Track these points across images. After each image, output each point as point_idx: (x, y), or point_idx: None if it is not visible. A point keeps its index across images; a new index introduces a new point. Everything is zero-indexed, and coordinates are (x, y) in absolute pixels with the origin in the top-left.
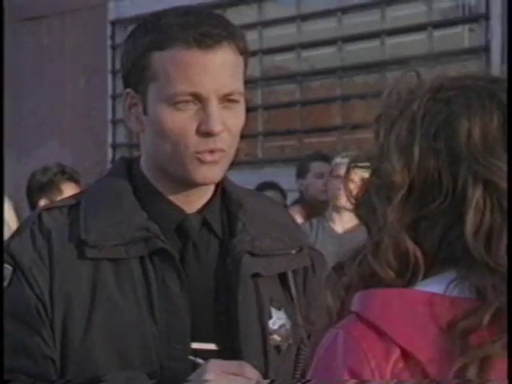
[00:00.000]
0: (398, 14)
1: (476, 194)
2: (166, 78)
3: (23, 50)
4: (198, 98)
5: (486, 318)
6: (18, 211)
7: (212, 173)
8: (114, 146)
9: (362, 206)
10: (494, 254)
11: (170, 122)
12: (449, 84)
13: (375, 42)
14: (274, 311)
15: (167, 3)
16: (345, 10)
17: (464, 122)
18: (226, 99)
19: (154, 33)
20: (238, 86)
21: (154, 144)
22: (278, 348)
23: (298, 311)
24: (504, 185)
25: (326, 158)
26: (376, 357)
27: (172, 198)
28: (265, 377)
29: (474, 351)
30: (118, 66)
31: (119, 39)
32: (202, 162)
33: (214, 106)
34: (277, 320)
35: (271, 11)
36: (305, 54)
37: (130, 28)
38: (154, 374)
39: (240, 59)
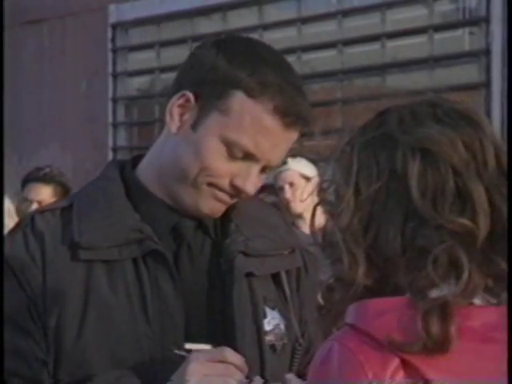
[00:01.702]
0: (398, 17)
1: (416, 163)
2: (238, 123)
3: (24, 53)
4: (250, 156)
5: (430, 268)
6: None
7: (219, 209)
8: (115, 149)
9: (328, 248)
10: (441, 211)
11: (214, 158)
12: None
13: (376, 45)
14: (268, 311)
15: (167, 7)
16: (345, 13)
17: (394, 114)
18: (268, 166)
19: (251, 75)
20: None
21: (181, 157)
22: (273, 347)
23: (291, 311)
24: (436, 148)
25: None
26: (373, 368)
27: (166, 200)
28: (261, 376)
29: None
30: (118, 68)
31: (120, 42)
32: (215, 197)
33: (258, 170)
34: (271, 319)
35: (271, 14)
36: (305, 56)
37: (131, 31)
38: (147, 375)
39: None
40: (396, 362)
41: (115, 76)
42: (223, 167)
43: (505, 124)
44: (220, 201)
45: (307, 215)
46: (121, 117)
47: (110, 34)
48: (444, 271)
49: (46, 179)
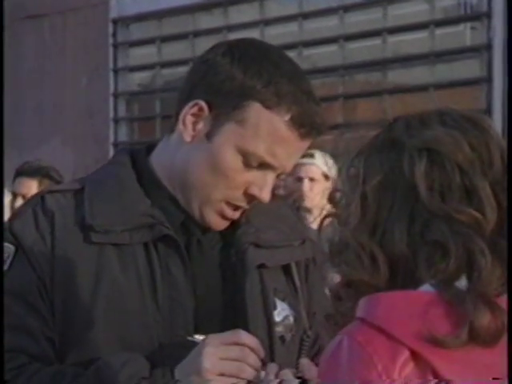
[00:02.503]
0: (399, 12)
1: (422, 163)
2: (254, 133)
3: (25, 48)
4: (266, 165)
5: (452, 266)
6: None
7: (222, 225)
8: (116, 144)
9: (336, 255)
10: (450, 203)
11: (230, 168)
12: None
13: (377, 40)
14: (278, 302)
15: (168, 2)
16: (346, 8)
17: (401, 121)
18: (282, 173)
19: (267, 86)
20: None
21: (195, 166)
22: (282, 338)
23: (301, 302)
24: (442, 148)
25: None
26: (382, 359)
27: (177, 195)
28: None
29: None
30: (119, 64)
31: (121, 37)
32: (221, 214)
33: (274, 178)
34: (281, 311)
35: (273, 9)
36: (306, 52)
37: (132, 26)
38: (155, 359)
39: None
40: (406, 354)
41: (116, 71)
42: (239, 177)
43: (506, 119)
44: (223, 216)
45: (315, 211)
46: (122, 112)
47: (110, 29)
48: (463, 262)
49: (29, 172)
